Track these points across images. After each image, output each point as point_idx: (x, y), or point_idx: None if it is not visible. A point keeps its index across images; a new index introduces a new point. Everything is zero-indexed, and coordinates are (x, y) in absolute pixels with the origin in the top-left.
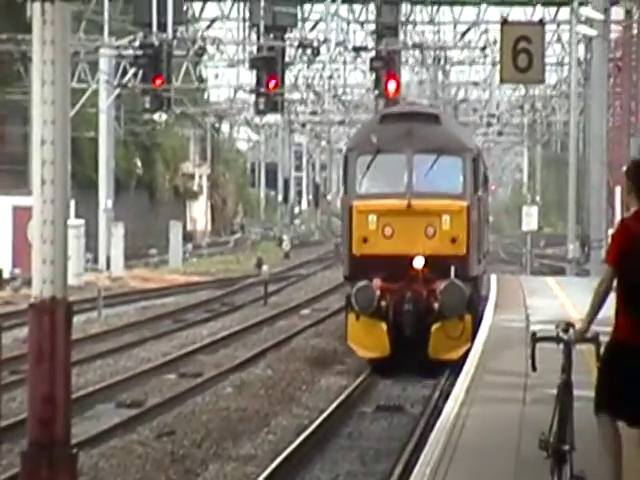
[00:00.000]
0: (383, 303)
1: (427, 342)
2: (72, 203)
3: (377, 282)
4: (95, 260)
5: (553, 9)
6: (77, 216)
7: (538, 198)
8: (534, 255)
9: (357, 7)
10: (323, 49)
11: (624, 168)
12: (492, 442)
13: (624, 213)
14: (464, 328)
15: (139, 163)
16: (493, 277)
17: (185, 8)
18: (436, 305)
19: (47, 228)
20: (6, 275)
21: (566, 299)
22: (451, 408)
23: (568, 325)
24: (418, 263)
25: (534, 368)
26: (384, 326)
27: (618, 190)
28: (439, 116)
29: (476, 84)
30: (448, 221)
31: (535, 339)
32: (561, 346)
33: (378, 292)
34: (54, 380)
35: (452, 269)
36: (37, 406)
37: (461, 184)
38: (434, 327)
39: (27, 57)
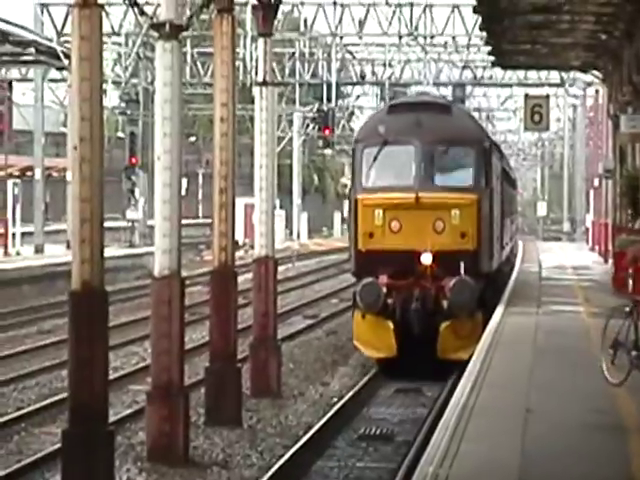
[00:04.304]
0: (390, 301)
1: (435, 342)
2: (277, 201)
3: (383, 279)
4: (290, 234)
5: (554, 89)
6: (280, 208)
7: (546, 197)
8: (544, 229)
9: (442, 88)
10: None
11: (595, 181)
12: (519, 337)
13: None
14: (474, 327)
15: (316, 178)
16: (520, 242)
17: (342, 89)
18: (445, 303)
19: (263, 216)
20: (240, 242)
21: (562, 255)
22: (496, 318)
23: None
24: (426, 259)
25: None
26: (391, 325)
27: (591, 193)
28: (450, 106)
29: (510, 131)
30: (458, 215)
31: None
32: None
33: (384, 289)
34: (267, 302)
35: (462, 265)
36: (259, 317)
37: (472, 176)
38: (443, 326)
39: (252, 118)
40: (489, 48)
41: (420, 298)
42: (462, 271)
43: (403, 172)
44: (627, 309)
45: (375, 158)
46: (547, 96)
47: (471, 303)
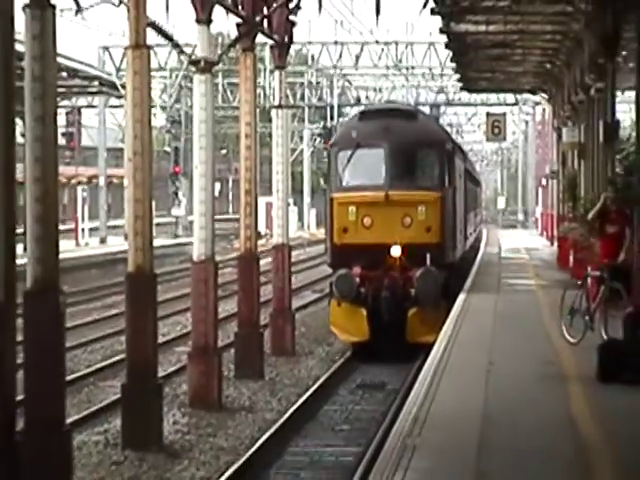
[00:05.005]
0: (363, 290)
1: (404, 326)
2: (291, 200)
3: (357, 270)
4: (302, 225)
5: (510, 107)
6: (294, 205)
7: (505, 193)
8: (503, 219)
9: (421, 108)
10: None
11: (543, 180)
12: (482, 308)
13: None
14: (439, 312)
15: (322, 181)
16: (484, 230)
17: (342, 110)
18: (412, 291)
19: (279, 211)
20: (262, 233)
21: (517, 239)
22: (462, 295)
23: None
24: (395, 252)
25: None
26: (364, 312)
27: (540, 190)
28: (416, 113)
29: (476, 141)
30: (423, 211)
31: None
32: None
33: (358, 279)
34: (284, 280)
35: (428, 257)
36: (277, 292)
37: (436, 176)
38: (410, 312)
39: (270, 134)
40: (458, 76)
41: (390, 287)
42: (428, 262)
43: (374, 172)
44: (579, 282)
45: (348, 160)
46: (504, 114)
47: (436, 291)
